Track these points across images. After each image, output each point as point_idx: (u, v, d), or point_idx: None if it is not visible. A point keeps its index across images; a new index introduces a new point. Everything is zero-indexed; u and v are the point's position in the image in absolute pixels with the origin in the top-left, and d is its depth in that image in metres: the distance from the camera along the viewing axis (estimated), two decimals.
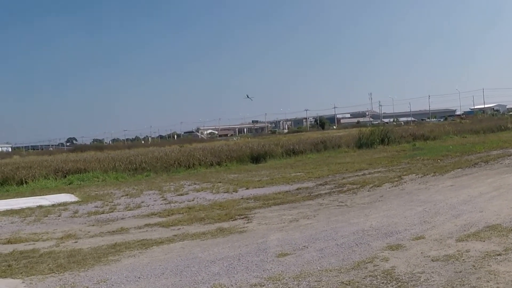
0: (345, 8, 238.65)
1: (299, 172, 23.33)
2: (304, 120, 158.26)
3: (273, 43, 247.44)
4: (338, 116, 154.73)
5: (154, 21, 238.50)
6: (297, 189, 17.72)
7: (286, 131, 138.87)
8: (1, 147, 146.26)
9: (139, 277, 7.93)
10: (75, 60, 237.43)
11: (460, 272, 6.92)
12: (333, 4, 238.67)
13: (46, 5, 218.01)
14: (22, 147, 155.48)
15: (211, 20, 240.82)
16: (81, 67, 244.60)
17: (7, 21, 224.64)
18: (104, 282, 7.81)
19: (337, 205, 13.66)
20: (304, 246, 9.02)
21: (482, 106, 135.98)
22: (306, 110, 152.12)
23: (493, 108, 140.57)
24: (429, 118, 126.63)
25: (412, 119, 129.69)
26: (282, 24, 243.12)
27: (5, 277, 8.45)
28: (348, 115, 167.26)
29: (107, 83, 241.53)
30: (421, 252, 8.03)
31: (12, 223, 14.49)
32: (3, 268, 8.98)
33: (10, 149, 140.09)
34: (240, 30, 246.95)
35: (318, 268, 7.64)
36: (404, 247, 8.45)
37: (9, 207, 17.47)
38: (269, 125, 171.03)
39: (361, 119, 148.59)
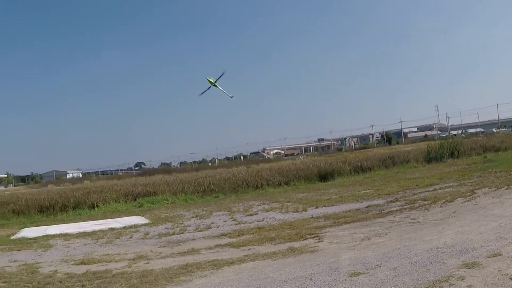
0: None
1: (368, 189, 23.14)
2: (370, 136, 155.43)
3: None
4: (404, 130, 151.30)
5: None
6: (367, 206, 17.57)
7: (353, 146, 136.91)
8: (72, 173, 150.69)
9: None
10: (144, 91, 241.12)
11: None
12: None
13: None
14: (92, 172, 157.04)
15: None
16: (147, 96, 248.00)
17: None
18: None
19: (409, 222, 13.43)
20: (377, 265, 8.89)
21: None
22: (372, 126, 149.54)
23: None
24: (498, 128, 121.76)
25: (481, 129, 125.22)
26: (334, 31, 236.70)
27: None
28: (415, 129, 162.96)
29: (173, 110, 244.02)
30: (499, 270, 7.77)
31: (85, 245, 14.97)
32: None
33: (80, 175, 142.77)
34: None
35: (393, 287, 7.55)
36: (481, 264, 8.20)
37: (82, 230, 18.10)
38: (335, 142, 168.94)
39: (428, 133, 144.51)
